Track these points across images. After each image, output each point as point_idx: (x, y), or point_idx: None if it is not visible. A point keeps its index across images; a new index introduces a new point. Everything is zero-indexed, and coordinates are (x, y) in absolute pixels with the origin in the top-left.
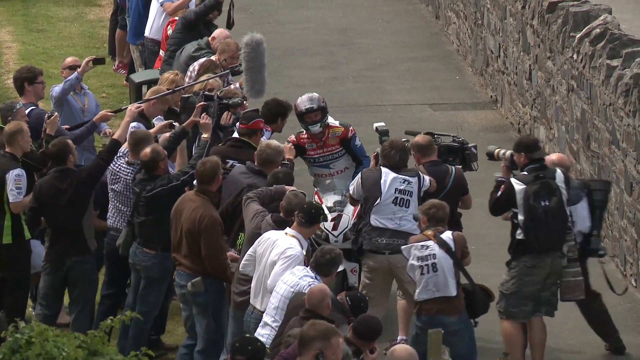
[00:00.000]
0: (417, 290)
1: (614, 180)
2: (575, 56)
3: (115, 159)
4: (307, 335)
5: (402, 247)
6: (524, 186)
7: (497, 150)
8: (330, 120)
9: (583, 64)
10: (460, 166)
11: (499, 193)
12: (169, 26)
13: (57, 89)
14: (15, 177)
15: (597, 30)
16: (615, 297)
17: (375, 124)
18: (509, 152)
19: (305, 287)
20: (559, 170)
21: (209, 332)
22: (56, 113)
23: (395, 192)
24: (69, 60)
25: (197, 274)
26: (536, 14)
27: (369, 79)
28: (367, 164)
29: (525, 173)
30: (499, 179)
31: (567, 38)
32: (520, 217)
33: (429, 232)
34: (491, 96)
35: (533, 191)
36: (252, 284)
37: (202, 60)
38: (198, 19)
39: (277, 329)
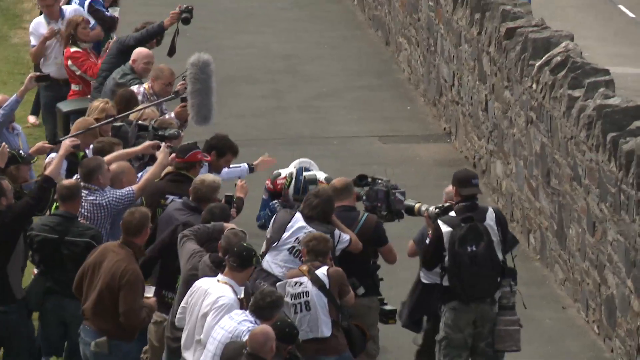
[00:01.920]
0: None
1: (576, 219)
2: (534, 86)
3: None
4: None
5: (277, 283)
6: (450, 229)
7: (417, 205)
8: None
9: (543, 94)
10: (385, 213)
11: (428, 240)
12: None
13: None
14: None
15: (558, 58)
16: (577, 346)
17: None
18: (431, 208)
19: (244, 333)
20: (490, 210)
21: None
22: (4, 143)
23: (294, 242)
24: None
25: (103, 333)
26: (493, 41)
27: (315, 109)
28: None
29: (454, 214)
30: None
31: (526, 66)
32: (449, 263)
33: (304, 268)
34: (445, 128)
35: (459, 236)
36: (183, 336)
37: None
38: (137, 44)
39: None
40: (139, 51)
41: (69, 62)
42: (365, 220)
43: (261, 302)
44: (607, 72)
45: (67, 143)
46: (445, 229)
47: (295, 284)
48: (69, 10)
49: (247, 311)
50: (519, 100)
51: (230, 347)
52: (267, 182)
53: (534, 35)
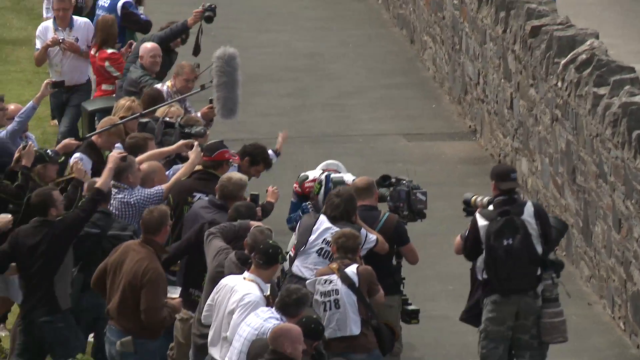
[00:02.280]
0: None
1: (602, 216)
2: (559, 84)
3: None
4: None
5: (307, 281)
6: (487, 222)
7: (474, 198)
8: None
9: (568, 92)
10: (407, 213)
11: (467, 232)
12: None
13: (9, 127)
14: None
15: (583, 56)
16: (603, 342)
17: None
18: (486, 199)
19: (270, 330)
20: (529, 204)
21: None
22: (31, 142)
23: (322, 243)
24: (12, 108)
25: (128, 332)
26: (518, 39)
27: (339, 107)
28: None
29: (492, 207)
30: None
31: (551, 64)
32: (486, 257)
33: (334, 266)
34: (470, 126)
35: (495, 229)
36: (210, 333)
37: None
38: (161, 43)
39: None
40: (144, 46)
41: (107, 64)
42: (386, 220)
43: (287, 299)
44: (632, 69)
45: (115, 155)
46: (482, 222)
47: (325, 282)
48: (79, 21)
49: (273, 308)
50: (544, 98)
51: (256, 344)
52: (294, 185)
53: (559, 34)
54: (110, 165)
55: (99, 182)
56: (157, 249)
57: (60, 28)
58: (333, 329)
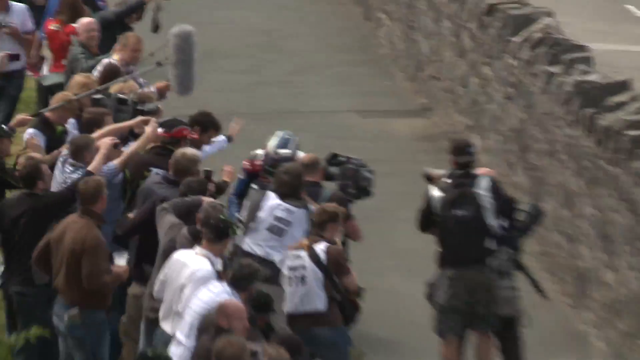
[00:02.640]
0: (287, 304)
1: (552, 193)
2: (513, 62)
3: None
4: (221, 355)
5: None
6: (441, 194)
7: (431, 171)
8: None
9: (522, 70)
10: (351, 191)
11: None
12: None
13: None
14: None
15: (538, 34)
16: (549, 320)
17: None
18: (443, 172)
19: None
20: (486, 178)
21: None
22: None
23: (273, 220)
24: None
25: (75, 304)
26: (473, 17)
27: (294, 84)
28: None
29: (449, 179)
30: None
31: (506, 42)
32: (439, 227)
33: (305, 242)
34: (423, 103)
35: (448, 199)
36: (162, 307)
37: (105, 61)
38: (117, 18)
39: (191, 348)
40: (80, 21)
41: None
42: (331, 197)
43: (238, 273)
44: (586, 48)
45: (106, 141)
46: (436, 193)
47: (294, 257)
48: (15, 6)
49: (225, 283)
50: (497, 76)
51: (207, 319)
52: (245, 162)
53: (514, 12)
54: (103, 150)
55: (92, 165)
56: (96, 218)
57: (1, 12)
58: (297, 304)
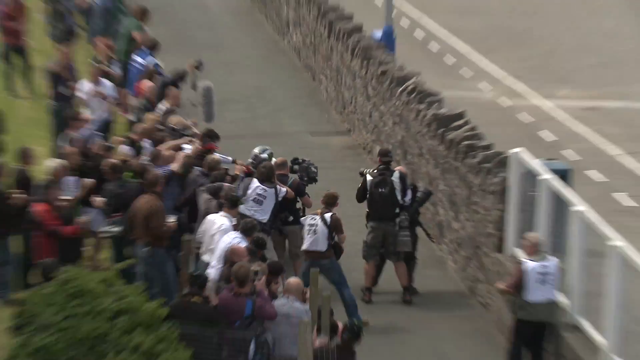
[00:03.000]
0: (304, 244)
1: (422, 179)
2: (398, 103)
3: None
4: (236, 273)
5: (302, 218)
6: (371, 178)
7: (364, 170)
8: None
9: (402, 107)
10: (305, 179)
11: (360, 185)
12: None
13: None
14: None
15: (412, 86)
16: (424, 251)
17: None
18: (369, 170)
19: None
20: (397, 171)
21: (161, 277)
22: None
23: (255, 194)
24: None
25: (147, 244)
26: (374, 77)
27: (273, 117)
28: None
29: (376, 171)
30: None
31: (393, 91)
32: (368, 198)
33: (319, 210)
34: (347, 128)
35: (375, 182)
36: (202, 246)
37: (161, 106)
38: (171, 82)
39: (220, 269)
40: (145, 84)
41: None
42: (292, 182)
43: (244, 226)
44: (439, 94)
45: (181, 154)
46: (369, 178)
47: (311, 218)
48: (102, 80)
49: (238, 232)
50: (388, 111)
51: (227, 255)
52: (244, 166)
53: (397, 74)
54: (184, 154)
55: (176, 166)
56: (157, 194)
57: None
58: (309, 245)
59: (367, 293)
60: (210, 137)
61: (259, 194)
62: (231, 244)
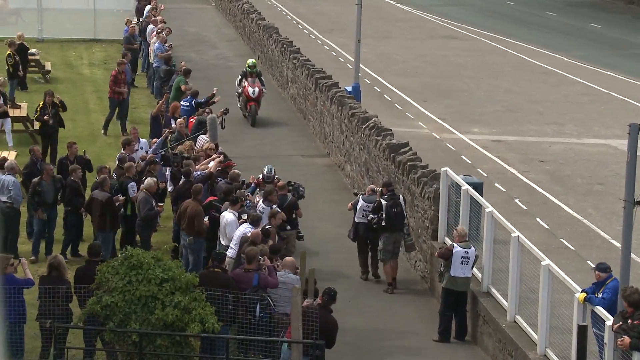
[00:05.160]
0: None
1: (379, 185)
2: (362, 135)
3: None
4: (247, 254)
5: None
6: (385, 202)
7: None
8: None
9: (366, 138)
10: (297, 196)
11: (370, 207)
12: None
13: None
14: None
15: (371, 123)
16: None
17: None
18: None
19: (248, 233)
20: (401, 196)
21: (197, 259)
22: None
23: (260, 209)
24: None
25: (190, 235)
26: (346, 117)
27: (273, 144)
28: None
29: (386, 196)
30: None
31: (359, 128)
32: (384, 216)
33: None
34: (327, 152)
35: (389, 204)
36: (221, 234)
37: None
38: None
39: (235, 252)
40: (179, 122)
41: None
42: (290, 200)
43: (252, 218)
44: (390, 130)
45: (216, 161)
46: (384, 202)
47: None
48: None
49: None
50: (356, 140)
51: (243, 239)
52: (253, 179)
53: (362, 115)
54: (217, 160)
55: (212, 168)
56: (198, 201)
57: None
58: None
59: (389, 287)
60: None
61: (260, 211)
62: (245, 231)
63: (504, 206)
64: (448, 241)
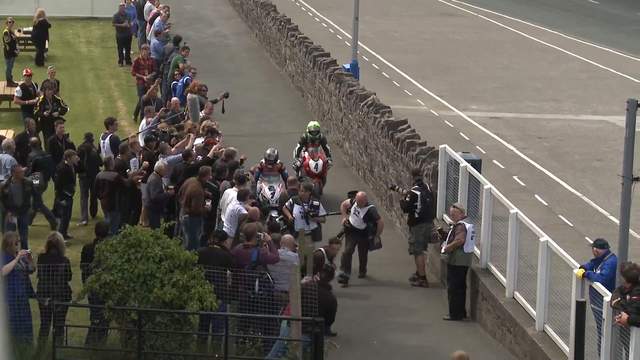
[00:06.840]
0: None
1: (377, 164)
2: (360, 113)
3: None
4: (246, 230)
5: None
6: (419, 192)
7: (394, 186)
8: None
9: (364, 116)
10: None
11: (406, 199)
12: None
13: None
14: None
15: (370, 101)
16: None
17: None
18: (404, 190)
19: (241, 210)
20: (427, 184)
21: (192, 237)
22: None
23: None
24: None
25: (187, 213)
26: (344, 95)
27: (275, 122)
28: (287, 176)
29: (417, 186)
30: (402, 192)
31: (358, 105)
32: (420, 206)
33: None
34: (326, 130)
35: (423, 194)
36: (222, 210)
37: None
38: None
39: (229, 230)
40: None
41: None
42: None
43: (239, 193)
44: (389, 107)
45: (217, 149)
46: (416, 192)
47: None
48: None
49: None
50: (355, 118)
51: (241, 217)
52: (257, 166)
53: (360, 93)
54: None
55: (211, 153)
56: (202, 181)
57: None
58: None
59: (423, 281)
60: (211, 133)
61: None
62: (234, 208)
63: (502, 183)
64: (447, 218)
